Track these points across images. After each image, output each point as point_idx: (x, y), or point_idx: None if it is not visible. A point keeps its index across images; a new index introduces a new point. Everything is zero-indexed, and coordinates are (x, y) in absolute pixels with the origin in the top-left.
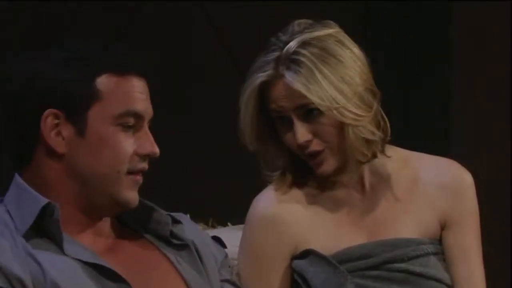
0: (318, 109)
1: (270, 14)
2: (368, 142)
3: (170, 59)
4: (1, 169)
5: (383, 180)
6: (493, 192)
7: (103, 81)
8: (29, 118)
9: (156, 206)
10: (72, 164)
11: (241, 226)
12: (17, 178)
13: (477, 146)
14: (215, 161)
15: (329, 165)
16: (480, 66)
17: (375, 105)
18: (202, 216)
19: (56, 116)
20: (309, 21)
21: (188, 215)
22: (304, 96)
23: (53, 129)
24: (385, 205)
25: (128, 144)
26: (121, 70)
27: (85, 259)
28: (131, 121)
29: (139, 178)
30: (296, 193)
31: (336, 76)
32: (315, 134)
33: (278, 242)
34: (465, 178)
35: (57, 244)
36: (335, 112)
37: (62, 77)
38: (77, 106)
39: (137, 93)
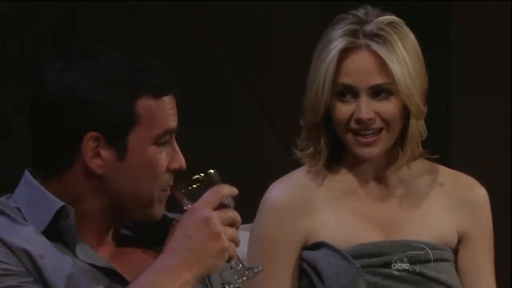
0: (388, 91)
1: (270, 14)
2: (419, 139)
3: (170, 59)
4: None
5: (404, 182)
6: (493, 192)
7: (142, 105)
8: (68, 137)
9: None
10: (110, 184)
11: (242, 226)
12: (29, 177)
13: (477, 146)
14: (215, 161)
15: (378, 148)
16: (480, 66)
17: (426, 108)
18: None
19: (97, 139)
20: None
21: None
22: (381, 75)
23: (93, 151)
24: (403, 206)
25: (163, 162)
26: (158, 92)
27: (97, 264)
28: (167, 139)
29: (167, 192)
30: (316, 182)
31: (412, 63)
32: (377, 114)
33: (289, 231)
34: (483, 196)
35: (69, 247)
36: (406, 93)
37: (104, 100)
38: (117, 130)
39: (170, 110)
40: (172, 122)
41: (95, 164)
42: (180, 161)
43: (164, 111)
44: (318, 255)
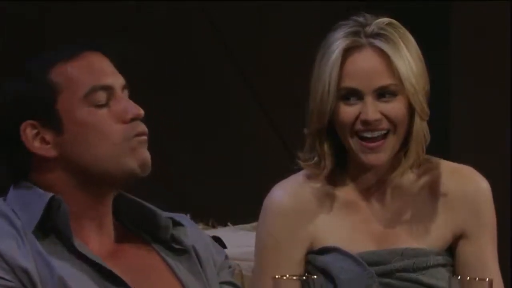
0: (393, 92)
1: (270, 14)
2: (424, 142)
3: (170, 59)
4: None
5: (405, 190)
6: (493, 192)
7: (57, 72)
8: (11, 136)
9: (158, 209)
10: (69, 161)
11: (242, 226)
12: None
13: (477, 146)
14: (215, 161)
15: (384, 154)
16: (480, 66)
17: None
18: (202, 216)
19: (33, 126)
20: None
21: (188, 215)
22: (387, 75)
23: (35, 138)
24: (400, 214)
25: (108, 117)
26: (71, 53)
27: (91, 256)
28: (102, 97)
29: (142, 139)
30: (317, 189)
31: (415, 63)
32: (383, 115)
33: (293, 234)
34: (485, 188)
35: (65, 239)
36: (411, 91)
37: (21, 87)
38: (44, 108)
39: (97, 68)
40: (104, 78)
41: (44, 149)
42: (132, 109)
43: (87, 68)
44: (330, 259)
